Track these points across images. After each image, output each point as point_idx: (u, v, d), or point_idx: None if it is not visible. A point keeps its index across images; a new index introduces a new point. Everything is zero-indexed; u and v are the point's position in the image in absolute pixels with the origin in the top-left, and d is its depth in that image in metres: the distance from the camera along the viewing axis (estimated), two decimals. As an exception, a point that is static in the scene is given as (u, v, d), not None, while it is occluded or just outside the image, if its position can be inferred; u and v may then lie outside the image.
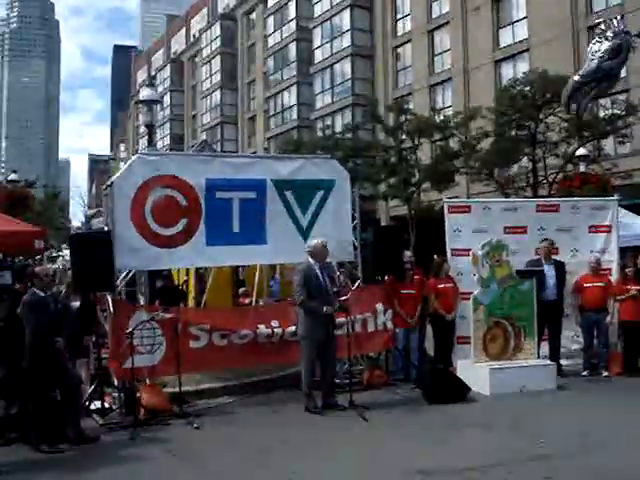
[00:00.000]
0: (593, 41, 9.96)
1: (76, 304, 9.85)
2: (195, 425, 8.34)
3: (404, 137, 33.66)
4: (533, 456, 6.95)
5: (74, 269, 9.17)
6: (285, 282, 14.01)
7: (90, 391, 9.06)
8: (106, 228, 9.51)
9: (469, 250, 11.17)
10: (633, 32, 9.96)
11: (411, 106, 35.76)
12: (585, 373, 11.38)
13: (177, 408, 8.88)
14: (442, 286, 11.27)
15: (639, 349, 11.36)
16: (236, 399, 9.81)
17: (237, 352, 9.83)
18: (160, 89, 71.36)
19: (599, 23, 10.27)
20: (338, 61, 46.79)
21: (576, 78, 9.91)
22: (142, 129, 70.17)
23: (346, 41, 46.25)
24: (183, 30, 78.61)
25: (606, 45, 9.57)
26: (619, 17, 10.22)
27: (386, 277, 11.11)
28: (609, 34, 9.68)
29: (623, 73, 29.43)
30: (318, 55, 48.75)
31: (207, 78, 66.81)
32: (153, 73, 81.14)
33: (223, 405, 9.55)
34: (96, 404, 8.95)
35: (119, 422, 8.57)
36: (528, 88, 26.90)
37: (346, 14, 46.20)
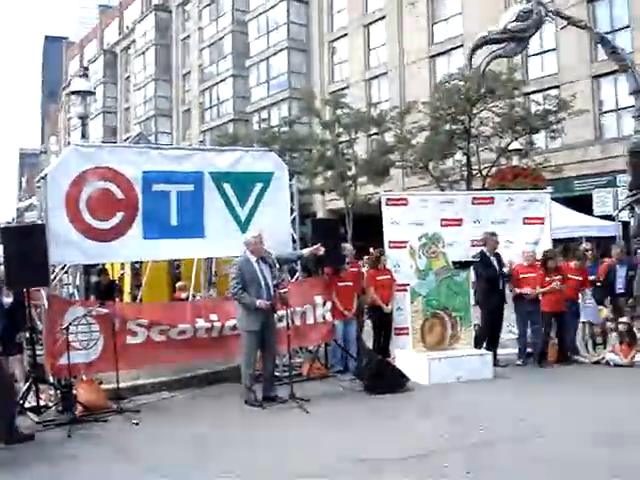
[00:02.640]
0: (509, 8, 10.21)
1: (8, 300, 9.61)
2: (134, 421, 8.23)
3: (340, 131, 33.79)
4: (471, 443, 7.06)
5: (6, 263, 8.91)
6: (222, 276, 13.94)
7: (25, 388, 8.85)
8: (40, 221, 9.28)
9: (406, 242, 11.31)
10: (550, 7, 10.21)
11: (347, 100, 35.88)
12: (519, 362, 11.62)
13: (115, 404, 8.75)
14: (381, 278, 11.38)
15: (547, 338, 11.65)
16: (175, 394, 9.72)
17: (176, 347, 9.73)
18: (93, 81, 69.93)
19: None
20: (274, 54, 46.62)
21: (482, 34, 10.09)
22: (74, 121, 68.76)
23: (282, 34, 46.11)
24: (116, 21, 77.20)
25: (516, 8, 9.78)
26: None
27: (325, 269, 11.14)
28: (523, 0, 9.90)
29: (554, 69, 30.34)
30: (254, 48, 48.47)
31: (141, 70, 65.74)
32: (86, 64, 79.48)
33: (162, 400, 9.44)
34: (31, 402, 8.74)
35: (55, 420, 8.38)
36: (462, 83, 27.29)
37: (282, 7, 46.05)
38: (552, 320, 11.60)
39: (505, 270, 11.57)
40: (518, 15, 9.74)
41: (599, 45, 10.85)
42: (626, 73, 10.21)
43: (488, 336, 11.45)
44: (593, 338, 11.95)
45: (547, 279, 11.51)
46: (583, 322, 12.63)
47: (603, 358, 11.54)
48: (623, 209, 11.20)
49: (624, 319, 11.75)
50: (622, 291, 12.22)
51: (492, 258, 11.50)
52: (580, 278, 12.13)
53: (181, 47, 61.90)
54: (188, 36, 60.32)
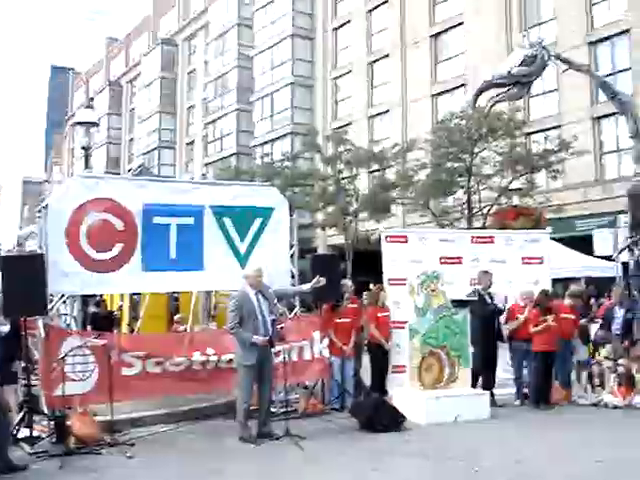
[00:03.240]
0: (512, 52, 10.31)
1: (5, 328, 9.59)
2: (128, 454, 8.17)
3: (342, 167, 33.92)
4: (467, 485, 7.01)
5: (4, 291, 8.90)
6: (221, 309, 13.91)
7: (18, 419, 8.79)
8: (39, 251, 9.29)
9: (405, 279, 11.29)
10: (552, 52, 10.30)
11: (350, 136, 36.03)
12: (517, 402, 11.55)
13: (109, 437, 8.68)
14: (381, 315, 11.37)
15: (549, 378, 11.54)
16: (170, 427, 9.64)
17: (172, 379, 9.70)
18: (98, 112, 70.42)
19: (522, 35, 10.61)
20: (278, 90, 46.97)
21: (486, 78, 10.18)
22: (78, 152, 69.06)
23: (287, 70, 46.51)
24: (123, 53, 78.00)
25: (521, 53, 9.86)
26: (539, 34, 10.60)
27: (323, 305, 11.12)
28: (526, 44, 9.97)
29: (556, 110, 30.55)
30: (258, 83, 48.86)
31: (146, 102, 66.22)
32: (91, 95, 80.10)
33: (156, 434, 9.35)
34: (24, 432, 8.68)
35: (48, 451, 8.30)
36: (464, 122, 27.46)
37: (287, 44, 46.51)
38: (546, 360, 11.49)
39: (500, 306, 11.53)
40: (523, 60, 9.84)
41: (600, 89, 10.92)
42: (626, 117, 10.27)
43: (483, 375, 11.37)
44: (591, 380, 11.88)
45: (540, 318, 11.47)
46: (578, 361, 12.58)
47: (601, 400, 11.46)
48: (623, 250, 11.21)
49: (623, 361, 11.70)
50: (618, 332, 12.19)
51: (486, 297, 11.48)
52: (573, 317, 12.12)
53: (186, 80, 62.43)
54: (194, 70, 60.87)
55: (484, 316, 11.29)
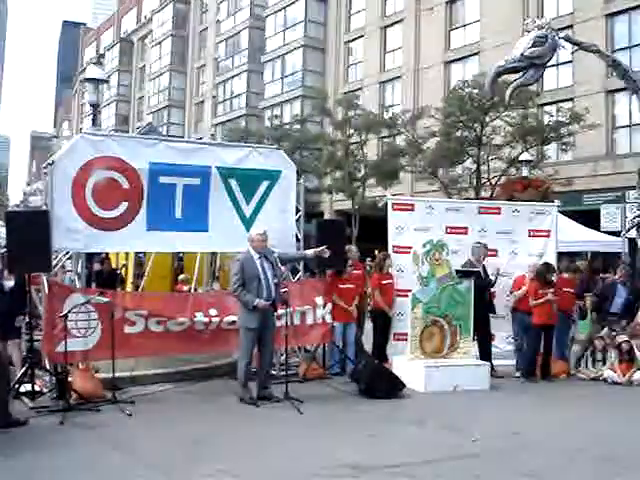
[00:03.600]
0: (521, 37, 10.18)
1: (10, 283, 9.63)
2: (127, 412, 8.23)
3: (352, 132, 33.75)
4: (464, 454, 7.03)
5: (9, 247, 8.89)
6: (225, 271, 13.92)
7: (20, 373, 8.85)
8: (45, 207, 9.27)
9: (410, 248, 11.27)
10: (560, 34, 10.18)
11: (360, 101, 35.78)
12: (518, 374, 11.58)
13: (110, 394, 8.74)
14: (385, 282, 11.35)
15: (548, 351, 11.57)
16: (170, 387, 9.72)
17: (173, 339, 9.73)
18: (108, 68, 70.16)
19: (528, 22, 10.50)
20: (290, 52, 46.60)
21: (499, 63, 10.06)
22: (87, 108, 68.49)
23: (299, 32, 46.09)
24: (134, 10, 77.31)
25: (531, 35, 9.74)
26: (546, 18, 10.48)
27: (327, 271, 11.11)
28: (535, 26, 9.85)
29: (569, 82, 30.25)
30: (270, 44, 48.45)
31: (156, 60, 65.85)
32: (102, 52, 79.59)
33: (157, 392, 9.43)
34: (26, 387, 8.74)
35: (49, 406, 8.38)
36: (476, 91, 27.21)
37: (300, 5, 46.03)
38: (541, 333, 11.51)
39: (492, 277, 11.52)
40: (535, 41, 9.73)
41: (610, 67, 10.81)
42: (637, 95, 10.17)
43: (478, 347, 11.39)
44: (593, 355, 11.88)
45: (540, 291, 11.46)
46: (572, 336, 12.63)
47: (601, 375, 11.48)
48: (632, 228, 11.15)
49: (625, 338, 11.69)
50: (617, 311, 12.20)
51: (479, 268, 11.43)
52: (573, 291, 12.14)
53: (198, 39, 61.98)
54: (205, 29, 60.40)
55: (478, 288, 11.21)
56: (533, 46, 9.77)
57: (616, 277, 12.71)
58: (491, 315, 11.77)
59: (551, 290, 11.41)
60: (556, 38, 9.85)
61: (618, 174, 27.27)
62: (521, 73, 10.04)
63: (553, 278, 11.63)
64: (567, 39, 10.25)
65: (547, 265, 11.64)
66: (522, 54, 9.82)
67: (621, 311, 12.24)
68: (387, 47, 42.20)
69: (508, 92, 10.48)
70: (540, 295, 11.38)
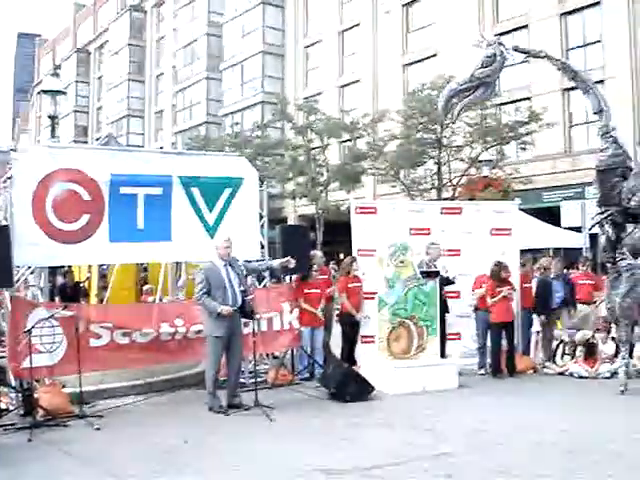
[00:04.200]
0: (476, 44, 10.31)
1: (-29, 300, 9.48)
2: (96, 426, 8.13)
3: (313, 137, 33.81)
4: (435, 454, 7.06)
5: (-31, 264, 8.75)
6: (190, 280, 13.85)
7: (-15, 391, 8.71)
8: (4, 222, 9.15)
9: (375, 250, 11.30)
10: (507, 46, 10.34)
11: (320, 106, 35.87)
12: (481, 372, 11.70)
13: (77, 409, 8.64)
14: (352, 285, 11.39)
15: (511, 348, 11.72)
16: (139, 399, 9.61)
17: (140, 351, 9.65)
18: (65, 79, 69.33)
19: (481, 39, 10.60)
20: (248, 58, 46.52)
21: (452, 86, 10.28)
22: (45, 120, 68.00)
23: (257, 38, 46.05)
24: (91, 20, 76.52)
25: (480, 56, 9.93)
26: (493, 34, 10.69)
27: (292, 276, 11.13)
28: (484, 45, 10.02)
29: (526, 81, 30.62)
30: (228, 51, 48.34)
31: (114, 70, 65.26)
32: (58, 63, 78.66)
33: (125, 405, 9.33)
34: (-9, 405, 8.61)
35: (16, 423, 8.24)
36: (435, 93, 27.41)
37: (258, 12, 45.98)
38: (502, 330, 11.64)
39: (450, 277, 11.59)
40: (483, 62, 9.94)
41: (560, 71, 10.98)
42: (587, 94, 10.35)
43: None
44: (564, 349, 12.02)
45: (497, 289, 11.60)
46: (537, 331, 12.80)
47: (567, 370, 11.64)
48: (594, 226, 11.32)
49: (590, 332, 11.86)
50: (557, 307, 12.50)
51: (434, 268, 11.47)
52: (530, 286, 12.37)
53: (155, 48, 61.57)
54: (163, 37, 60.04)
55: None
56: (482, 67, 9.99)
57: (550, 273, 12.84)
58: (458, 314, 11.89)
59: (507, 287, 11.56)
60: (504, 53, 10.05)
61: (576, 171, 27.67)
62: (471, 92, 10.24)
63: (511, 274, 11.80)
64: (515, 49, 10.42)
65: (500, 264, 11.77)
66: (472, 75, 10.05)
67: (559, 306, 12.46)
68: (345, 51, 42.34)
69: (456, 110, 10.65)
70: (496, 293, 11.52)
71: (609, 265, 10.40)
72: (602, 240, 10.62)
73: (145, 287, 14.40)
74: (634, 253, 10.08)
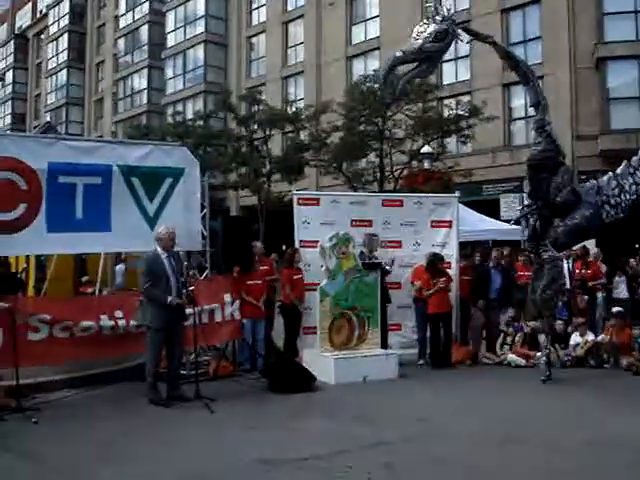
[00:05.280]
0: (420, 23, 10.08)
1: None
2: (33, 420, 7.97)
3: (256, 127, 33.66)
4: (374, 443, 7.14)
5: None
6: (131, 271, 13.70)
7: None
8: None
9: (317, 242, 11.34)
10: (459, 23, 10.29)
11: (264, 97, 35.72)
12: (421, 362, 11.86)
13: (14, 402, 8.45)
14: (296, 277, 11.41)
15: (448, 338, 11.95)
16: (78, 392, 9.46)
17: (80, 344, 9.45)
18: (2, 65, 67.72)
19: (429, 7, 10.48)
20: (191, 47, 46.07)
21: (397, 54, 9.97)
22: (-19, 107, 66.38)
23: (200, 27, 45.61)
24: (29, 5, 74.70)
25: (432, 28, 9.73)
26: (449, 6, 10.49)
27: (234, 268, 11.09)
28: (438, 18, 9.86)
29: (468, 76, 30.99)
30: (171, 40, 47.75)
31: (53, 57, 63.83)
32: (-6, 48, 76.67)
33: (63, 398, 9.19)
34: None
35: (-51, 418, 8.07)
36: (377, 85, 27.57)
37: (201, 0, 45.54)
38: (439, 322, 11.84)
39: (387, 268, 11.66)
40: (435, 36, 9.70)
41: (503, 59, 11.01)
42: (527, 86, 10.46)
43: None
44: (504, 340, 12.22)
45: (433, 281, 11.77)
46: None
47: (505, 359, 11.86)
48: (521, 217, 11.50)
49: (532, 323, 12.09)
50: (495, 297, 12.65)
51: (373, 259, 11.55)
52: (468, 278, 12.53)
53: (96, 35, 60.46)
54: (103, 24, 59.01)
55: None
56: (433, 41, 9.74)
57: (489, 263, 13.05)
58: (398, 305, 12.03)
59: (442, 279, 11.73)
60: (456, 31, 9.92)
61: (515, 165, 28.11)
62: (415, 65, 10.00)
63: (447, 266, 11.99)
64: (465, 29, 10.33)
65: (435, 255, 11.95)
66: (421, 48, 9.75)
67: (498, 296, 12.57)
68: (289, 42, 42.25)
69: (400, 84, 10.47)
70: (431, 286, 11.69)
71: (532, 257, 10.68)
72: (526, 233, 10.87)
73: (84, 278, 14.17)
74: (556, 246, 10.35)
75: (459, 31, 10.00)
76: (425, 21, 9.94)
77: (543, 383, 10.13)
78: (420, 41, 9.68)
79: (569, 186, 10.31)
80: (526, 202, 10.76)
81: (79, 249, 11.03)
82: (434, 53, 9.86)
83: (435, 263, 11.82)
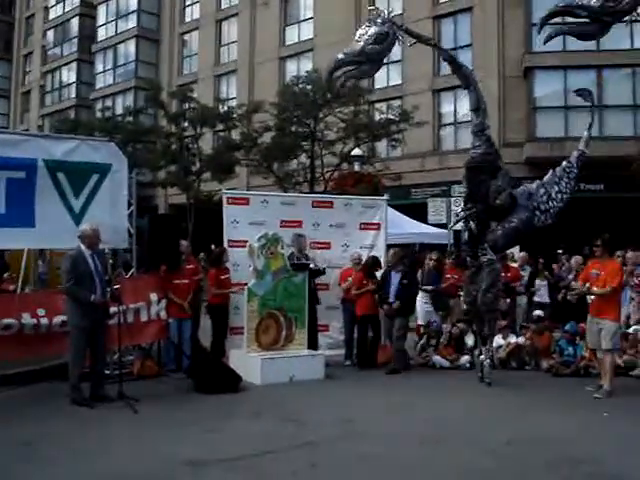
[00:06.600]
0: (362, 26, 10.14)
1: None
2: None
3: (186, 125, 33.35)
4: (301, 443, 7.16)
5: None
6: (54, 269, 13.40)
7: None
8: None
9: (246, 242, 11.30)
10: (400, 25, 10.37)
11: (195, 94, 35.40)
12: (347, 363, 11.95)
13: None
14: (223, 277, 11.35)
15: (375, 340, 12.05)
16: (-2, 391, 9.23)
17: (1, 343, 9.21)
18: None
19: (370, 10, 10.50)
20: (122, 41, 45.37)
21: (340, 56, 10.00)
22: None
23: (132, 22, 44.96)
24: (-48, -8, 72.43)
25: (373, 30, 9.80)
26: (388, 8, 10.50)
27: (161, 266, 10.96)
28: (378, 21, 9.93)
29: (399, 81, 31.37)
30: (102, 33, 46.95)
31: (-22, 46, 62.07)
32: None
33: (-19, 397, 8.95)
34: None
35: None
36: (310, 87, 27.66)
37: (133, -6, 44.93)
38: (367, 323, 11.93)
39: (321, 268, 11.71)
40: (376, 38, 9.72)
41: (445, 62, 11.12)
42: (468, 90, 10.61)
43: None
44: (428, 341, 12.36)
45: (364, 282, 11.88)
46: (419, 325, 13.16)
47: (429, 361, 12.03)
48: (459, 221, 11.66)
49: (461, 324, 12.28)
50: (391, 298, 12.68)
51: (302, 259, 11.58)
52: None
53: (24, 25, 58.94)
54: (32, 15, 57.59)
55: None
56: (374, 43, 9.77)
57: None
58: (326, 306, 12.07)
59: (372, 282, 11.84)
60: (397, 33, 9.97)
61: (444, 169, 28.66)
62: (356, 66, 10.02)
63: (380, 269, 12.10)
64: (407, 31, 10.39)
65: (375, 259, 12.07)
66: (362, 50, 9.77)
67: (394, 296, 11.98)
68: (222, 40, 42.03)
69: (339, 82, 10.48)
70: (362, 285, 11.79)
71: (469, 259, 10.82)
72: (465, 235, 11.00)
73: (5, 274, 13.80)
74: (495, 249, 10.53)
75: (401, 33, 10.07)
76: (367, 23, 9.99)
77: (489, 386, 10.23)
78: (362, 43, 9.73)
79: (508, 190, 10.48)
80: (463, 206, 10.89)
81: (1, 245, 10.73)
82: (376, 55, 9.91)
83: (374, 265, 11.94)
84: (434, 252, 14.72)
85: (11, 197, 9.39)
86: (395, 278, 11.82)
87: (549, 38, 10.26)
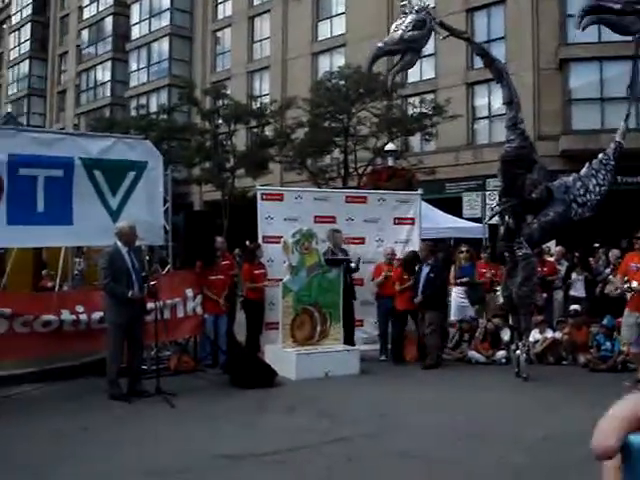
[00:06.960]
0: (399, 17, 10.10)
1: None
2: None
3: (220, 122, 33.51)
4: (335, 439, 7.17)
5: None
6: (92, 266, 13.56)
7: None
8: None
9: (280, 237, 11.35)
10: (435, 19, 10.31)
11: (228, 91, 35.59)
12: (382, 357, 11.94)
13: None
14: (257, 272, 11.41)
15: (419, 334, 11.98)
16: (36, 387, 9.35)
17: (40, 340, 9.36)
18: (-39, 54, 66.45)
19: (402, 4, 10.43)
20: (156, 40, 45.70)
21: (379, 45, 9.94)
22: (-61, 96, 65.10)
23: (165, 20, 45.26)
24: (-11, -7, 73.52)
25: (410, 18, 9.75)
26: (421, 1, 10.44)
27: (196, 262, 11.05)
28: (414, 9, 9.87)
29: (432, 74, 31.19)
30: (135, 32, 47.34)
31: (15, 47, 62.87)
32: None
33: (21, 393, 9.07)
34: None
35: None
36: (343, 82, 27.64)
37: (166, -8, 45.22)
38: (406, 318, 11.93)
39: (352, 265, 11.67)
40: (414, 24, 9.64)
41: (478, 56, 11.03)
42: (501, 84, 10.53)
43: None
44: (462, 336, 12.33)
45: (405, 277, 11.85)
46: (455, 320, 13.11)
47: (465, 356, 11.98)
48: (494, 216, 11.59)
49: (496, 320, 12.20)
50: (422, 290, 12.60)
51: (339, 254, 11.59)
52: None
53: (59, 25, 59.63)
54: (67, 15, 58.23)
55: None
56: (412, 29, 9.68)
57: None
58: (361, 301, 12.07)
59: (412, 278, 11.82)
60: (432, 23, 9.92)
61: (478, 163, 28.43)
62: (399, 57, 9.96)
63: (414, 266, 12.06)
64: (440, 24, 10.32)
65: (414, 253, 12.04)
66: (402, 37, 9.69)
67: (422, 290, 11.91)
68: (255, 37, 42.11)
69: (390, 79, 10.43)
70: (404, 281, 11.77)
71: (506, 254, 10.73)
72: (501, 230, 10.92)
73: (44, 271, 13.99)
74: (530, 243, 10.44)
75: (435, 26, 10.02)
76: (402, 14, 9.95)
77: (525, 381, 10.15)
78: (400, 32, 9.68)
79: (544, 183, 10.39)
80: (499, 200, 10.79)
81: (40, 242, 10.91)
82: (415, 42, 9.83)
83: (413, 261, 11.90)
84: (463, 245, 14.63)
85: (50, 195, 9.55)
86: (424, 272, 11.79)
87: (587, 25, 10.30)
